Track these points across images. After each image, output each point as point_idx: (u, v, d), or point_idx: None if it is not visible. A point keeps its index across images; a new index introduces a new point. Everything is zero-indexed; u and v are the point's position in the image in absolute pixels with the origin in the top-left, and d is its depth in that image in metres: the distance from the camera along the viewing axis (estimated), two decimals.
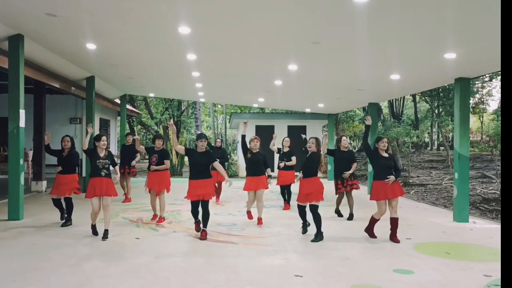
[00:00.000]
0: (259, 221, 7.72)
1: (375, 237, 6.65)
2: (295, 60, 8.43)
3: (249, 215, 7.95)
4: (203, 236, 6.46)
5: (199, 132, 7.28)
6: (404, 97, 29.14)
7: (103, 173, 6.44)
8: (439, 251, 5.94)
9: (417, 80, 9.81)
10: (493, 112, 30.19)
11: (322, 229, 6.55)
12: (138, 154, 10.63)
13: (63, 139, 7.53)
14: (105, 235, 6.35)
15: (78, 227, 7.23)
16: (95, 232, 6.59)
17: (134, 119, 30.46)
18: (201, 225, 6.63)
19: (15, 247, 5.81)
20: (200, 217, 6.70)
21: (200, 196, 6.46)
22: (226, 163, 10.94)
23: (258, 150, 7.91)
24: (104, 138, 6.61)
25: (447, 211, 9.86)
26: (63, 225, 7.31)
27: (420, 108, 33.89)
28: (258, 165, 7.83)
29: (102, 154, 6.55)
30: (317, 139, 6.72)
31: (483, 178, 15.82)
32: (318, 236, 6.46)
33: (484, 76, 24.74)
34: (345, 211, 8.61)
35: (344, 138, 8.55)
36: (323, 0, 5.17)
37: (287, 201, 9.80)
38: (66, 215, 7.49)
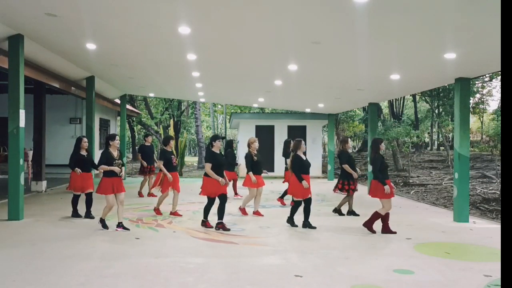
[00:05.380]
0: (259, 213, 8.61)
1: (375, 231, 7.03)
2: (295, 60, 8.43)
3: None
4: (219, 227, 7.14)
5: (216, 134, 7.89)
6: (404, 97, 29.16)
7: (118, 173, 6.91)
8: (439, 251, 5.94)
9: (417, 80, 9.82)
10: (493, 112, 30.24)
11: (320, 228, 7.01)
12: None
13: (82, 140, 7.99)
14: (120, 225, 6.92)
15: (78, 227, 7.24)
16: (105, 226, 6.98)
17: (134, 119, 30.46)
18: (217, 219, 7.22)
19: (15, 247, 5.81)
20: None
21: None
22: None
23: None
24: (118, 137, 7.10)
25: (447, 211, 9.86)
26: (87, 217, 7.91)
27: (420, 108, 33.93)
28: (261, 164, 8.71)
29: (115, 154, 6.93)
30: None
31: (483, 178, 15.82)
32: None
33: (484, 76, 24.77)
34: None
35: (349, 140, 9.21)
36: (323, 0, 5.17)
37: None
38: (83, 210, 8.02)
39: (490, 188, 13.34)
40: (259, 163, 8.61)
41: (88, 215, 7.94)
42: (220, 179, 6.90)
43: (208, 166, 7.00)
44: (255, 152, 8.62)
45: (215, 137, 7.26)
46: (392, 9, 5.25)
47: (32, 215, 8.16)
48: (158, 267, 4.93)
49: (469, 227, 7.86)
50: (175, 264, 5.07)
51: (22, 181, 7.76)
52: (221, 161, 7.15)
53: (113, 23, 6.77)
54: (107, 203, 6.85)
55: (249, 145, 8.71)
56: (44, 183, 12.13)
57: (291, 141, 10.28)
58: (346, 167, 8.51)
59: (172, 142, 8.59)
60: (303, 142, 7.63)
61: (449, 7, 5.10)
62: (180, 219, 8.03)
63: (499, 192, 12.13)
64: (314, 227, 7.34)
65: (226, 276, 4.67)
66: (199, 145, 27.09)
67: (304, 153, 7.68)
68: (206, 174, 7.07)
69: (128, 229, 6.92)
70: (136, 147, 34.53)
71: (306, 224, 7.39)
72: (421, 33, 6.15)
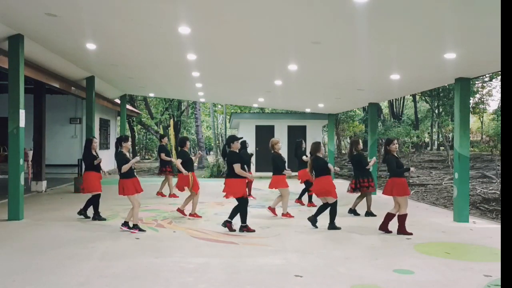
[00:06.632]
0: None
1: (411, 233, 6.93)
2: (295, 60, 8.43)
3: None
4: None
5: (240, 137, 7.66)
6: (404, 97, 29.18)
7: (135, 173, 6.94)
8: (439, 251, 5.94)
9: (417, 80, 9.81)
10: (493, 112, 30.24)
11: (320, 227, 6.90)
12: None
13: (93, 140, 8.08)
14: (125, 225, 6.86)
15: (78, 227, 7.24)
16: (142, 229, 6.84)
17: (134, 119, 30.49)
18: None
19: (15, 247, 5.81)
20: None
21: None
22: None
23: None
24: (130, 138, 7.09)
25: (447, 211, 9.86)
26: (81, 215, 7.91)
27: (420, 108, 33.93)
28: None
29: (128, 155, 6.92)
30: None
31: (483, 178, 15.83)
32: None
33: (484, 76, 24.77)
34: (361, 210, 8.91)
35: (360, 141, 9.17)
36: (323, 0, 5.17)
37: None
38: (84, 210, 7.97)
39: (490, 188, 13.34)
40: (285, 163, 8.64)
41: (85, 214, 7.94)
42: (250, 175, 6.94)
43: (237, 166, 6.85)
44: (279, 153, 8.60)
45: (233, 138, 7.13)
46: (392, 9, 5.25)
47: (32, 215, 8.16)
48: (158, 267, 4.93)
49: (469, 227, 7.86)
50: (175, 264, 5.07)
51: (22, 181, 7.76)
52: (243, 161, 7.11)
53: (113, 23, 6.77)
54: (135, 204, 6.74)
55: (273, 147, 8.63)
56: (44, 183, 12.13)
57: (302, 142, 10.30)
58: (369, 166, 8.58)
59: (188, 143, 8.69)
60: (322, 144, 7.63)
61: (449, 7, 5.10)
62: (180, 219, 8.02)
63: (499, 192, 12.13)
64: (316, 227, 7.35)
65: (226, 276, 4.67)
66: (199, 145, 27.10)
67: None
68: (229, 176, 6.94)
69: (144, 230, 6.83)
70: (136, 147, 34.57)
71: (312, 220, 7.41)
72: (421, 33, 6.15)
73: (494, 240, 6.68)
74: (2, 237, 6.40)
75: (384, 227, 7.05)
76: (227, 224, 7.02)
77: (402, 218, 6.94)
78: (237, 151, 7.08)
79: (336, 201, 7.30)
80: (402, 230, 6.92)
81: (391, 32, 6.25)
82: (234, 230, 6.97)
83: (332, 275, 4.77)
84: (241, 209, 6.97)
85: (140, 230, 6.80)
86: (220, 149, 23.01)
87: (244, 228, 6.96)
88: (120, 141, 6.88)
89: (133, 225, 6.83)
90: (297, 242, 6.44)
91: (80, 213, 7.95)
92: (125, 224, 6.89)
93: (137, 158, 7.08)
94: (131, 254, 5.49)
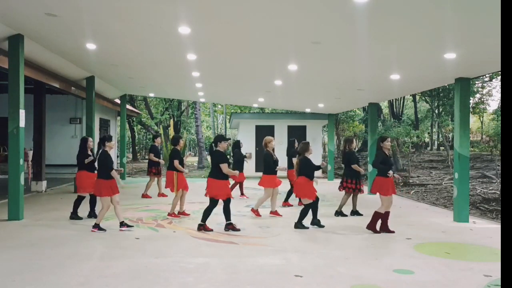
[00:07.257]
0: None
1: (379, 231, 6.98)
2: (295, 60, 8.43)
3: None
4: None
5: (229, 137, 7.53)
6: (404, 97, 29.15)
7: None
8: (439, 251, 5.94)
9: (417, 80, 9.82)
10: (493, 112, 30.24)
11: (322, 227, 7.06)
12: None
13: (88, 140, 8.07)
14: (123, 225, 6.92)
15: (78, 227, 7.24)
16: (102, 229, 6.85)
17: (134, 119, 30.50)
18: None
19: (15, 247, 5.81)
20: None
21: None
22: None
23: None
24: (113, 138, 7.06)
25: (447, 211, 9.86)
26: (92, 217, 7.86)
27: (420, 108, 33.91)
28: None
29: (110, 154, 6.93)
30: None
31: (483, 178, 15.82)
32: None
33: (484, 76, 24.76)
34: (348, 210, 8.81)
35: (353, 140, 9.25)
36: (323, 0, 5.17)
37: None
38: (91, 211, 8.02)
39: (490, 188, 13.34)
40: (277, 162, 8.53)
41: (95, 214, 7.90)
42: (237, 172, 7.02)
43: (225, 165, 6.82)
44: (271, 152, 8.50)
45: (220, 138, 7.09)
46: (392, 9, 5.25)
47: (32, 215, 8.16)
48: (158, 267, 4.93)
49: (469, 227, 7.86)
50: (175, 264, 5.07)
51: (22, 181, 7.76)
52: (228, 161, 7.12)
53: (113, 23, 6.77)
54: (104, 205, 6.74)
55: (265, 145, 8.54)
56: (44, 183, 12.13)
57: (295, 141, 10.26)
58: (356, 166, 8.52)
59: (182, 142, 8.63)
60: (310, 145, 7.58)
61: (449, 7, 5.10)
62: (180, 219, 8.02)
63: (499, 192, 12.13)
64: (323, 226, 7.34)
65: (226, 276, 4.67)
66: (199, 145, 27.10)
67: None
68: (212, 176, 6.91)
69: (132, 226, 6.96)
70: (136, 147, 34.60)
71: (315, 222, 7.39)
72: (421, 33, 6.16)
73: (494, 240, 6.68)
74: (2, 237, 6.40)
75: (384, 228, 7.05)
76: (229, 226, 7.02)
77: (376, 215, 6.97)
78: (223, 151, 7.02)
79: (312, 203, 7.30)
80: (371, 226, 6.97)
81: (391, 32, 6.25)
82: (239, 230, 6.98)
83: (332, 275, 4.77)
84: (208, 208, 6.94)
85: (100, 229, 6.79)
86: None
87: (202, 226, 6.96)
88: (103, 140, 6.89)
89: (95, 224, 6.85)
90: (297, 242, 6.44)
91: (90, 215, 7.94)
92: (122, 224, 6.92)
93: (123, 184, 7.15)
94: (131, 254, 5.49)
